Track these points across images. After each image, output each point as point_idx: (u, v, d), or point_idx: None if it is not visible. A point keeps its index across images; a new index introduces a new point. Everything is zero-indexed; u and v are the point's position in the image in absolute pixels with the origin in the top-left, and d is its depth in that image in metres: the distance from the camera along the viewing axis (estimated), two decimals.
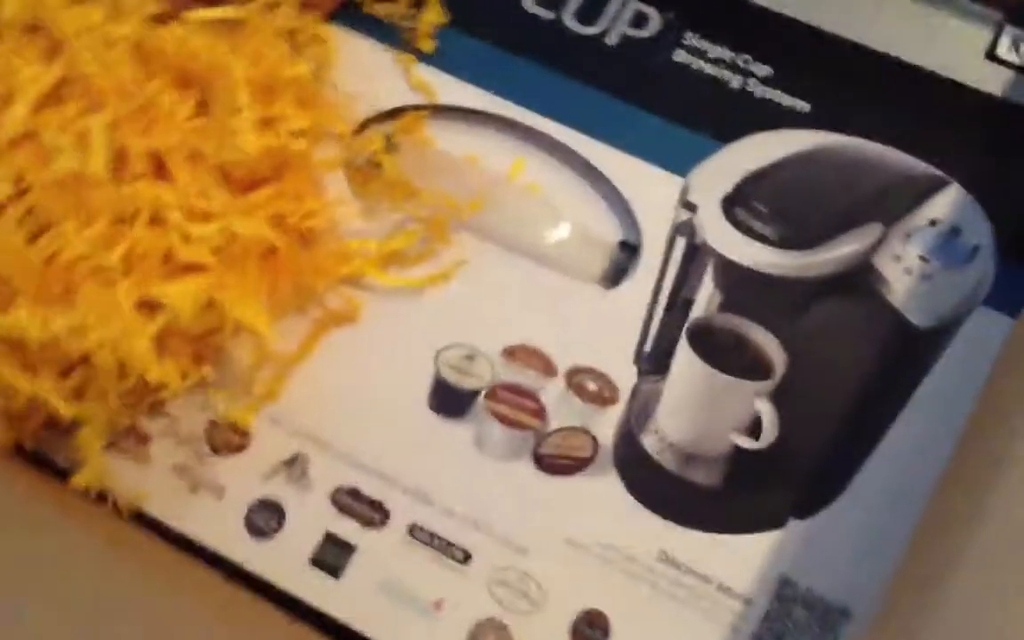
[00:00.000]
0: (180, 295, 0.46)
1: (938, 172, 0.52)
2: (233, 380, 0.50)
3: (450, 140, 0.56)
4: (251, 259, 0.49)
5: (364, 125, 0.57)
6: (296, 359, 0.51)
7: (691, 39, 0.57)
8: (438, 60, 0.58)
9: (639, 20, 0.58)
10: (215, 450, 0.50)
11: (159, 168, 0.48)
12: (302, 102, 0.53)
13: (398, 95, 0.57)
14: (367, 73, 0.58)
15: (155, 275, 0.46)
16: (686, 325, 0.50)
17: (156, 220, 0.48)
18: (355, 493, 0.48)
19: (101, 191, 0.46)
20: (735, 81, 0.56)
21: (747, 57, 0.56)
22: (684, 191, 0.53)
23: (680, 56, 0.57)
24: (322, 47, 0.57)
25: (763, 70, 0.56)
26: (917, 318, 0.49)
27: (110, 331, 0.44)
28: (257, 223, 0.48)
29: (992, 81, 0.55)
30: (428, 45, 0.58)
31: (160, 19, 0.52)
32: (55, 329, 0.43)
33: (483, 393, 0.50)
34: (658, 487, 0.48)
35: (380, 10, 0.60)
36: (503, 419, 0.49)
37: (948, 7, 0.57)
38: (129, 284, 0.46)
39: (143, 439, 0.50)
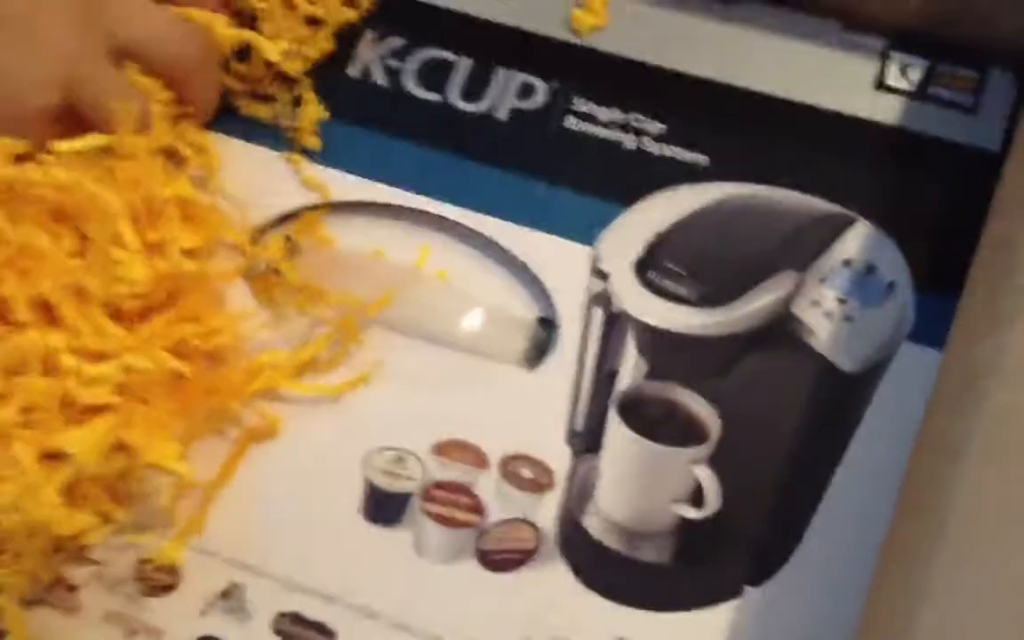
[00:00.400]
0: (83, 441, 0.42)
1: (844, 210, 0.50)
2: (155, 517, 0.46)
3: (351, 236, 0.53)
4: (156, 391, 0.45)
5: (261, 231, 0.52)
6: (218, 485, 0.47)
7: (580, 105, 0.54)
8: (326, 156, 0.55)
9: (525, 92, 0.55)
10: (147, 592, 0.45)
11: (45, 313, 0.44)
12: (189, 218, 0.49)
13: (291, 196, 0.53)
14: (255, 178, 0.54)
15: (55, 424, 0.41)
16: (613, 398, 0.47)
17: (49, 368, 0.43)
18: (298, 618, 0.44)
19: None
20: (629, 142, 0.53)
21: (638, 116, 0.53)
22: (594, 260, 0.50)
23: (571, 123, 0.54)
24: (204, 157, 0.53)
25: (656, 127, 0.53)
26: (844, 363, 0.47)
27: (14, 490, 0.39)
28: (156, 354, 0.44)
29: (885, 110, 0.53)
30: (313, 142, 0.55)
31: (24, 158, 0.47)
32: None
33: (416, 495, 0.46)
34: (607, 570, 0.45)
35: (259, 111, 0.55)
36: (440, 519, 0.46)
37: (831, 42, 0.54)
38: (28, 437, 0.40)
39: (71, 589, 0.45)
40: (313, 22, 0.57)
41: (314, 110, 0.55)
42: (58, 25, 0.47)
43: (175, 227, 0.47)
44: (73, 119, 0.48)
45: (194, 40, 0.52)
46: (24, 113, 0.47)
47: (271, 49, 0.53)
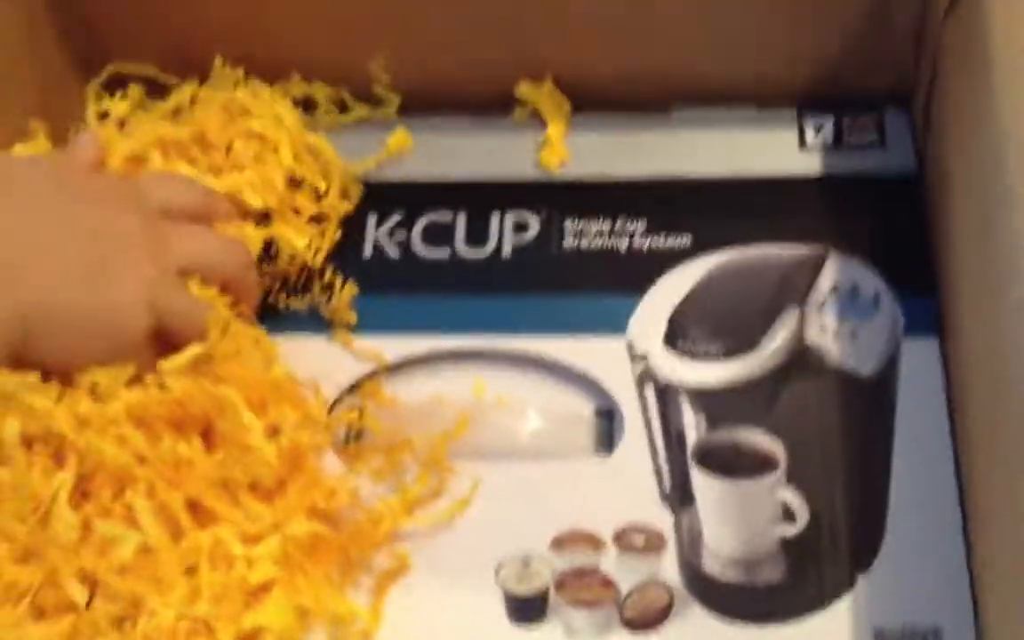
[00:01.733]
0: (275, 615, 0.38)
1: (815, 249, 0.50)
2: None
3: (411, 391, 0.50)
4: (302, 556, 0.42)
5: (332, 408, 0.49)
6: (373, 627, 0.43)
7: (571, 226, 0.53)
8: (363, 327, 0.51)
9: (520, 227, 0.54)
10: None
11: (197, 512, 0.40)
12: (284, 398, 0.45)
13: (347, 371, 0.50)
14: (308, 362, 0.50)
15: (240, 608, 0.38)
16: (689, 454, 0.45)
17: (213, 559, 0.39)
18: None
19: (166, 556, 0.37)
20: (622, 244, 0.53)
21: (622, 219, 0.53)
22: (630, 347, 0.49)
23: (569, 242, 0.54)
24: (262, 347, 0.50)
25: (640, 225, 0.53)
26: (863, 369, 0.47)
27: None
28: (305, 523, 0.41)
29: (812, 163, 0.55)
30: (351, 316, 0.52)
31: (134, 383, 0.43)
32: None
33: (552, 589, 0.43)
34: (738, 601, 0.44)
35: (296, 302, 0.53)
36: (582, 603, 0.43)
37: (754, 123, 0.56)
38: (222, 626, 0.36)
39: None
40: (316, 220, 0.55)
41: (348, 288, 0.52)
42: (132, 260, 0.46)
43: (283, 409, 0.44)
44: (159, 339, 0.46)
45: (239, 250, 0.51)
46: (126, 342, 0.45)
47: (297, 240, 0.51)
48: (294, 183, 0.55)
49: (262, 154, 0.54)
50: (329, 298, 0.53)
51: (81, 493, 0.41)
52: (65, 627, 0.40)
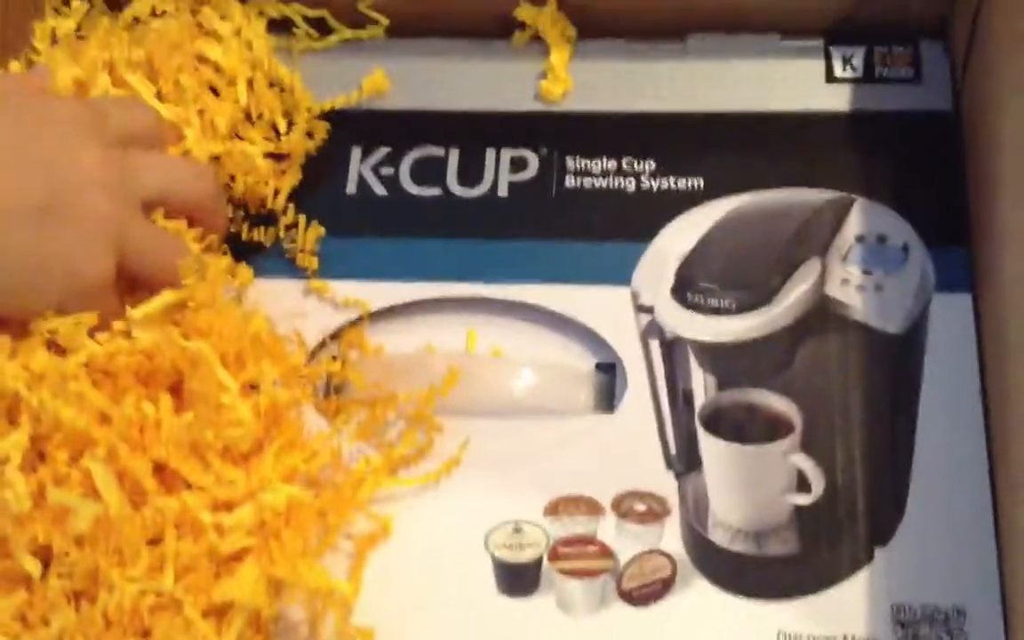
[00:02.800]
0: (243, 588, 0.38)
1: (841, 193, 0.49)
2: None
3: (397, 341, 0.49)
4: (279, 523, 0.41)
5: (311, 358, 0.48)
6: (352, 595, 0.43)
7: (573, 164, 0.52)
8: (346, 272, 0.51)
9: (518, 165, 0.53)
10: None
11: (165, 476, 0.39)
12: (264, 352, 0.44)
13: (328, 318, 0.49)
14: (285, 308, 0.49)
15: (209, 580, 0.39)
16: (696, 415, 0.45)
17: (181, 526, 0.38)
18: None
19: (128, 526, 0.37)
20: (629, 184, 0.52)
21: (629, 158, 0.52)
22: (634, 297, 0.48)
23: (570, 182, 0.52)
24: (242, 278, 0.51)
25: (649, 165, 0.52)
26: (890, 326, 0.46)
27: None
28: (283, 489, 0.41)
29: (840, 99, 0.54)
30: (312, 262, 0.52)
31: (99, 329, 0.42)
32: None
33: (545, 558, 0.42)
34: (747, 574, 0.43)
35: (261, 236, 0.52)
36: (577, 573, 0.43)
37: (777, 53, 0.54)
38: (192, 600, 0.36)
39: None
40: (275, 159, 0.54)
41: (313, 229, 0.52)
42: (90, 197, 0.44)
43: (261, 362, 0.44)
44: (125, 280, 0.45)
45: (206, 176, 0.50)
46: (85, 287, 0.44)
47: (256, 153, 0.51)
48: (251, 119, 0.54)
49: (217, 85, 0.53)
50: (293, 237, 0.52)
51: (36, 455, 0.40)
52: (17, 602, 0.39)
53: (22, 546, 0.38)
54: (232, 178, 0.52)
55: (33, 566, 0.38)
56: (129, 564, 0.38)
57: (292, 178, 0.54)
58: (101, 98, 0.50)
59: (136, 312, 0.43)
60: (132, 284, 0.45)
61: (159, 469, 0.41)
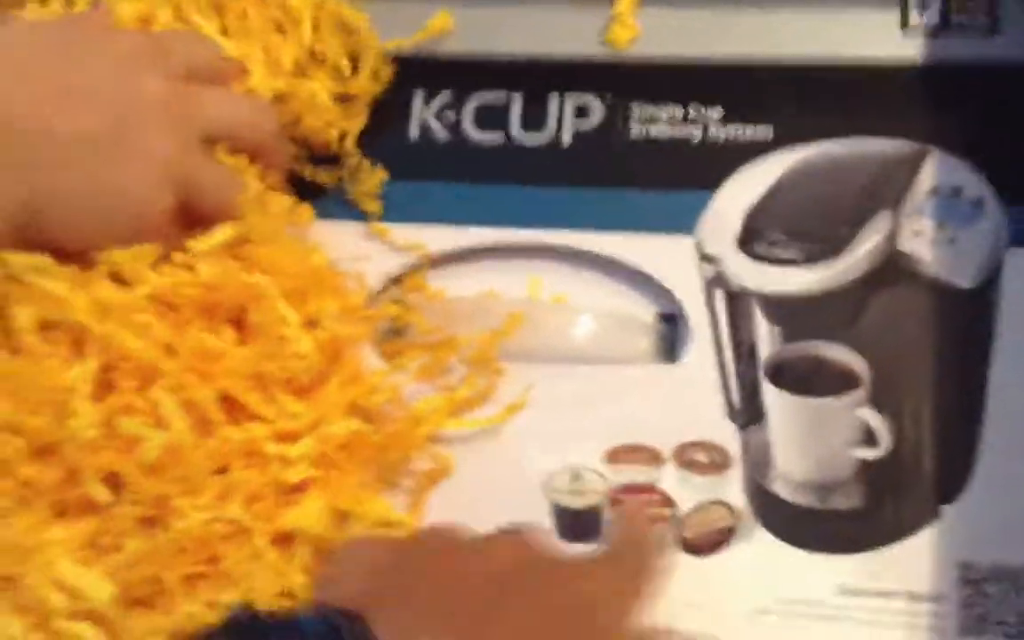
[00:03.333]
0: (308, 517, 0.39)
1: (914, 144, 0.49)
2: None
3: (458, 286, 0.50)
4: (341, 456, 0.42)
5: (372, 299, 0.49)
6: (410, 523, 0.44)
7: (639, 112, 0.52)
8: (407, 216, 0.51)
9: (582, 113, 0.54)
10: None
11: (229, 407, 0.40)
12: (325, 288, 0.45)
13: (390, 261, 0.50)
14: (348, 249, 0.50)
15: (275, 509, 0.41)
16: (761, 367, 0.45)
17: (246, 456, 0.40)
18: None
19: (195, 455, 0.38)
20: (695, 133, 0.52)
21: (696, 107, 0.52)
22: (699, 247, 0.49)
23: (636, 131, 0.53)
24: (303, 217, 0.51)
25: (716, 113, 0.52)
26: (962, 281, 0.46)
27: (268, 585, 0.35)
28: (345, 421, 0.41)
29: (916, 48, 0.53)
30: (374, 205, 0.53)
31: (161, 262, 0.44)
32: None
33: (605, 505, 0.43)
34: (808, 527, 0.44)
35: (323, 177, 0.53)
36: None
37: (850, 1, 0.54)
38: (260, 528, 0.37)
39: None
40: (342, 101, 0.55)
41: (377, 174, 0.53)
42: (153, 131, 0.45)
43: (322, 297, 0.45)
44: (186, 215, 0.46)
45: (268, 114, 0.51)
46: (146, 222, 0.45)
47: (320, 92, 0.52)
48: (316, 60, 0.54)
49: (282, 24, 0.53)
50: (356, 179, 0.53)
51: (103, 386, 0.41)
52: (88, 528, 0.40)
53: (92, 474, 0.40)
54: (297, 118, 0.53)
55: (103, 493, 0.39)
56: (197, 492, 0.39)
57: (359, 121, 0.55)
58: (164, 32, 0.51)
59: (198, 244, 0.44)
60: (192, 219, 0.46)
61: (224, 400, 0.42)
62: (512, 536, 0.39)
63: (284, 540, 0.40)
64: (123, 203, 0.44)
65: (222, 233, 0.45)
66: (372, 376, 0.46)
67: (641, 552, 0.41)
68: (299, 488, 0.41)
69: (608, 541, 0.44)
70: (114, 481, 0.40)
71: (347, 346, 0.45)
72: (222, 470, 0.41)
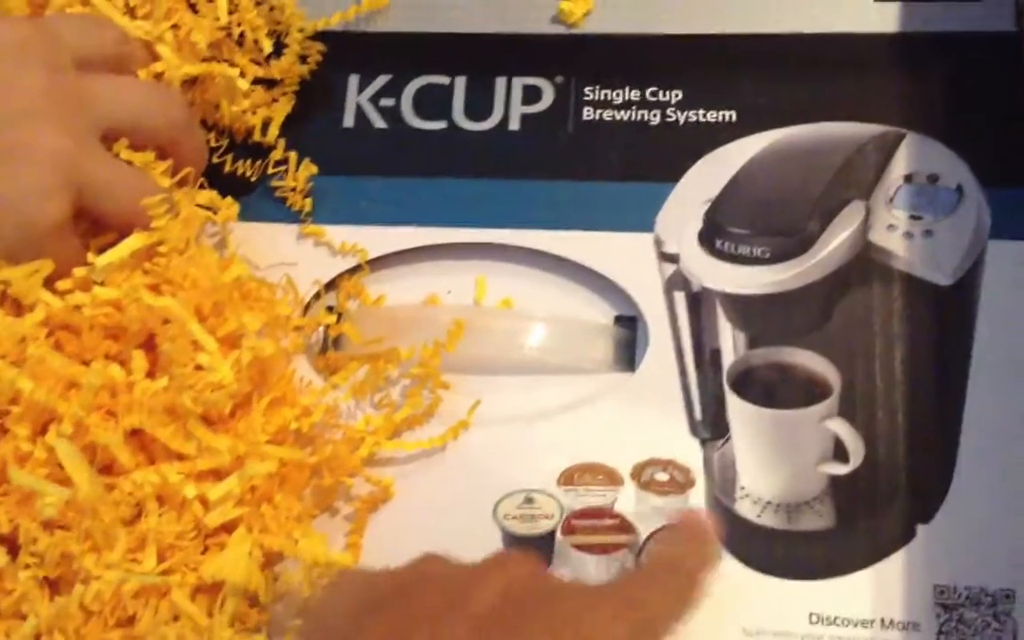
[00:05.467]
0: (233, 565, 0.38)
1: (888, 127, 0.49)
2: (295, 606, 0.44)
3: (399, 291, 0.49)
4: (271, 486, 0.42)
5: (304, 310, 0.48)
6: (351, 562, 0.44)
7: (592, 94, 0.52)
8: (343, 215, 0.51)
9: (532, 96, 0.53)
10: None
11: (142, 443, 0.40)
12: (246, 298, 0.45)
13: (324, 266, 0.49)
14: (276, 254, 0.50)
15: (196, 556, 0.40)
16: (724, 375, 0.45)
17: (162, 501, 0.39)
18: None
19: (101, 506, 0.37)
20: (653, 117, 0.51)
21: (654, 88, 0.51)
22: (658, 244, 0.48)
23: (588, 114, 0.52)
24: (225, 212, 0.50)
25: (676, 96, 0.52)
26: (939, 277, 0.46)
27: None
28: (271, 453, 0.42)
29: (889, 19, 0.53)
30: (306, 203, 0.52)
31: (54, 279, 0.43)
32: None
33: (559, 531, 0.43)
34: (776, 551, 0.43)
35: (246, 169, 0.52)
36: (591, 549, 0.43)
37: None
38: (179, 580, 0.37)
39: None
40: (266, 85, 0.54)
41: (305, 167, 0.52)
42: (46, 129, 0.44)
43: (242, 313, 0.44)
44: (85, 223, 0.45)
45: (175, 102, 0.49)
46: (37, 234, 0.43)
47: (235, 75, 0.50)
48: (235, 41, 0.53)
49: (195, 2, 0.52)
50: (285, 175, 0.52)
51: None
52: None
53: None
54: (214, 105, 0.52)
55: None
56: (106, 547, 0.39)
57: (284, 107, 0.54)
58: (53, 16, 0.49)
59: (100, 259, 0.43)
60: (94, 228, 0.45)
61: (135, 434, 0.41)
62: (502, 562, 0.38)
63: (210, 589, 0.40)
64: (7, 213, 0.43)
65: (127, 244, 0.44)
66: (304, 396, 0.45)
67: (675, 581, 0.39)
68: (225, 528, 0.41)
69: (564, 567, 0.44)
70: (13, 538, 0.39)
71: (275, 364, 0.45)
72: (134, 519, 0.40)
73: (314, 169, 0.52)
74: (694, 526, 0.40)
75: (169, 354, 0.42)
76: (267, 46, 0.53)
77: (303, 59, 0.54)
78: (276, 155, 0.52)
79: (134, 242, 0.44)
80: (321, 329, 0.50)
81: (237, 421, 0.43)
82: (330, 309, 0.50)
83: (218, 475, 0.41)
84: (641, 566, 0.43)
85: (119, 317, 0.43)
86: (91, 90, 0.46)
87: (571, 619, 0.34)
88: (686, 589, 0.37)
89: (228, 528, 0.41)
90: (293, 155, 0.52)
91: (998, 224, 0.48)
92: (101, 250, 0.45)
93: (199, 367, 0.42)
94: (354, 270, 0.51)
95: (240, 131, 0.53)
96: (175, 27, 0.51)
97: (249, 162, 0.52)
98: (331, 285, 0.51)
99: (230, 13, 0.53)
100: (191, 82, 0.52)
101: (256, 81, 0.53)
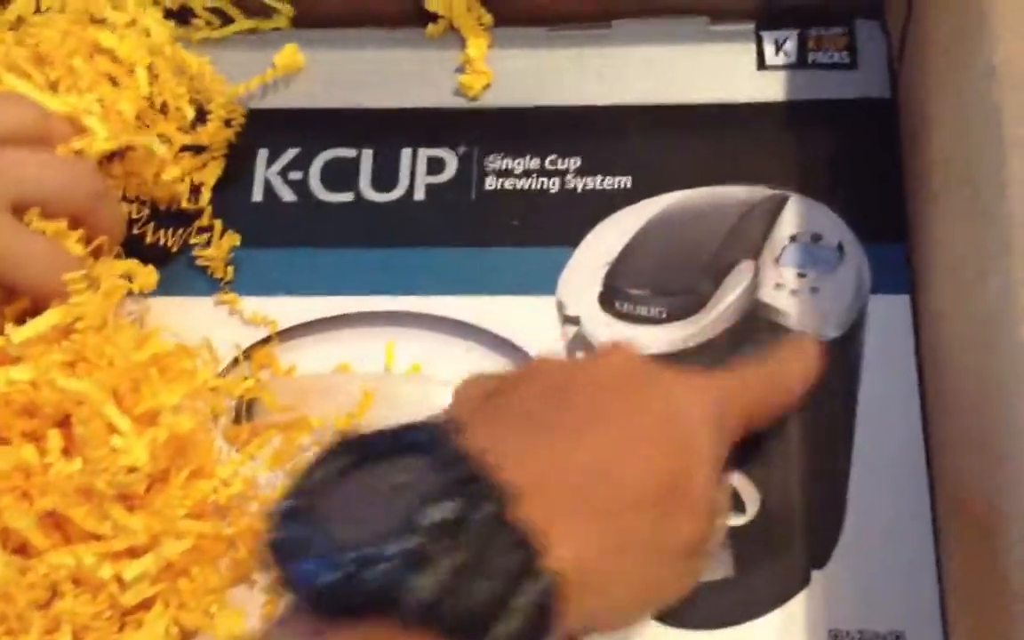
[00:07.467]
0: None
1: (773, 190, 0.50)
2: None
3: (310, 360, 0.49)
4: (188, 560, 0.41)
5: (223, 374, 0.48)
6: None
7: (494, 163, 0.52)
8: (253, 286, 0.51)
9: (436, 167, 0.53)
10: None
11: (56, 524, 0.39)
12: (164, 372, 0.45)
13: (236, 336, 0.49)
14: (190, 325, 0.49)
15: (110, 636, 0.38)
16: None
17: (77, 582, 0.38)
18: None
19: (13, 589, 0.36)
20: (553, 184, 0.52)
21: (553, 156, 0.52)
22: (560, 307, 0.49)
23: (491, 183, 0.53)
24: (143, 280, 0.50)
25: (574, 163, 0.53)
26: (826, 331, 0.47)
27: None
28: (188, 529, 0.41)
29: (774, 87, 0.54)
30: (227, 272, 0.52)
31: None
32: None
33: None
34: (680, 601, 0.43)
35: (167, 239, 0.52)
36: None
37: (705, 38, 0.55)
38: None
39: None
40: (193, 152, 0.54)
41: (228, 238, 0.52)
42: None
43: (159, 390, 0.43)
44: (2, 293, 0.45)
45: (88, 174, 0.48)
46: None
47: (158, 147, 0.50)
48: (160, 110, 0.53)
49: (115, 76, 0.52)
50: (206, 245, 0.52)
51: None
52: None
53: None
54: (144, 175, 0.51)
55: None
56: (20, 632, 0.38)
57: (215, 171, 0.54)
58: None
59: (17, 333, 0.43)
60: (8, 295, 0.45)
61: (50, 514, 0.40)
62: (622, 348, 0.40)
63: None
64: None
65: (46, 319, 0.43)
66: (221, 469, 0.45)
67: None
68: (142, 605, 0.40)
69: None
70: None
71: (193, 436, 0.44)
72: (49, 601, 0.39)
73: (236, 240, 0.52)
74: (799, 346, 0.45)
75: (83, 437, 0.41)
76: (189, 113, 0.53)
77: (227, 123, 0.54)
78: (203, 222, 0.52)
79: (52, 317, 0.44)
80: (233, 402, 0.49)
81: (155, 495, 0.43)
82: (245, 378, 0.50)
83: (134, 553, 0.41)
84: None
85: (34, 395, 0.42)
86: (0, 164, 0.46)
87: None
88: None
89: (145, 605, 0.41)
90: (218, 223, 0.52)
91: (877, 279, 0.49)
92: (18, 318, 0.44)
93: (114, 449, 0.41)
94: (264, 340, 0.51)
95: (164, 199, 0.52)
96: (100, 99, 0.51)
97: (171, 231, 0.52)
98: (247, 355, 0.50)
99: (150, 84, 0.53)
100: (120, 154, 0.51)
101: (184, 148, 0.53)
